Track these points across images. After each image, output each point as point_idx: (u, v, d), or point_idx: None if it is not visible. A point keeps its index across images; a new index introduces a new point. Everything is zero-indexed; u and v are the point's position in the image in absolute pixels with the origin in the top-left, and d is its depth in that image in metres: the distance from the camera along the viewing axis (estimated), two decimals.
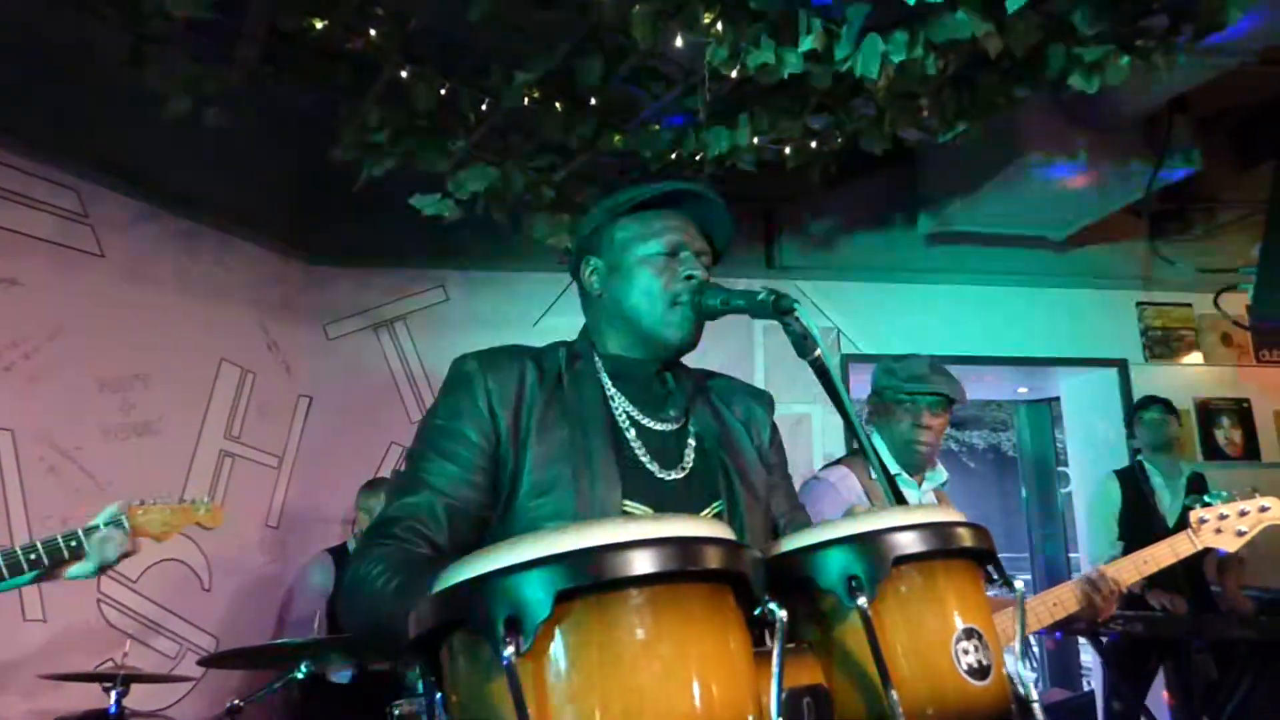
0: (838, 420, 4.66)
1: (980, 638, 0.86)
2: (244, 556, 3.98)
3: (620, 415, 1.34)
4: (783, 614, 0.75)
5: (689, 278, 1.34)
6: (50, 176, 3.32)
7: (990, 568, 0.92)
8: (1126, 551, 3.95)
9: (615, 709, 0.67)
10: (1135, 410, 4.27)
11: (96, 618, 3.35)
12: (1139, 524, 3.99)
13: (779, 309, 1.18)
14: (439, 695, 0.80)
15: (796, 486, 2.52)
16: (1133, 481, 4.11)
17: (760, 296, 1.22)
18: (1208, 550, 3.85)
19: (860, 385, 4.45)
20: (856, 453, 2.60)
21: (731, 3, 2.33)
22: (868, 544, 0.84)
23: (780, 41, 2.40)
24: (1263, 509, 2.34)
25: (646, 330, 1.36)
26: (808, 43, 2.32)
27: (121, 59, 2.63)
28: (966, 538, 0.88)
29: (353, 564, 1.18)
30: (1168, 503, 4.01)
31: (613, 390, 1.36)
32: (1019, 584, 0.90)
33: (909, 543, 0.84)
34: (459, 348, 4.30)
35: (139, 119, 3.36)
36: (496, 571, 0.69)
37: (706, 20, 2.35)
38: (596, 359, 1.39)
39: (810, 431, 4.65)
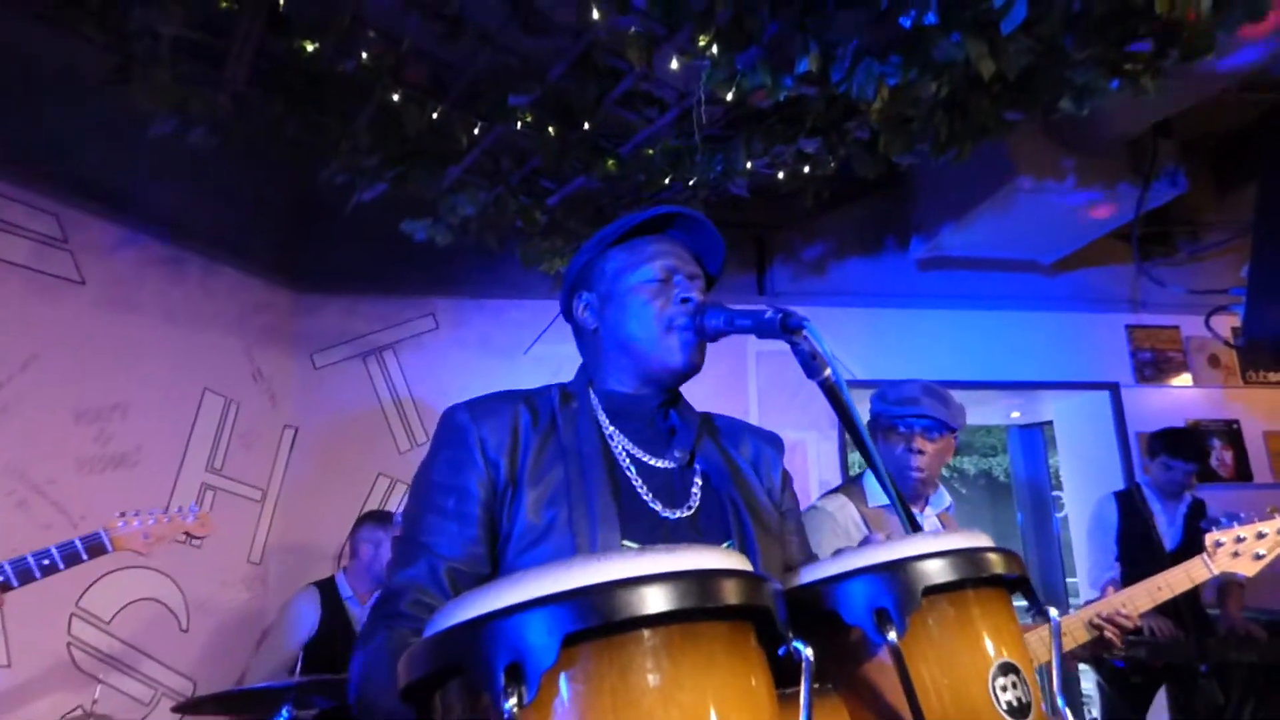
0: (832, 447, 4.61)
1: (1018, 673, 0.79)
2: (224, 594, 3.86)
3: (620, 453, 1.29)
4: (809, 653, 0.69)
5: (684, 301, 1.31)
6: (28, 200, 3.25)
7: (1022, 595, 0.86)
8: (1124, 574, 3.93)
9: None
10: (1165, 447, 3.98)
11: (65, 661, 3.22)
12: (1137, 546, 3.95)
13: (787, 327, 1.13)
14: None
15: None
16: (1131, 504, 4.06)
17: (767, 315, 1.16)
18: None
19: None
20: (855, 480, 2.54)
21: (727, 25, 2.31)
22: (895, 573, 0.77)
23: (776, 64, 2.38)
24: None
25: (646, 358, 1.31)
26: (804, 65, 2.30)
27: (106, 79, 2.58)
28: (998, 564, 0.82)
29: (359, 647, 1.14)
30: (1165, 526, 3.97)
31: (611, 429, 1.31)
32: (1054, 612, 0.84)
33: (938, 571, 0.78)
34: (449, 376, 4.21)
35: (123, 142, 3.31)
36: (495, 613, 0.62)
37: (702, 43, 2.33)
38: (593, 397, 1.35)
39: (805, 459, 4.58)
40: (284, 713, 2.21)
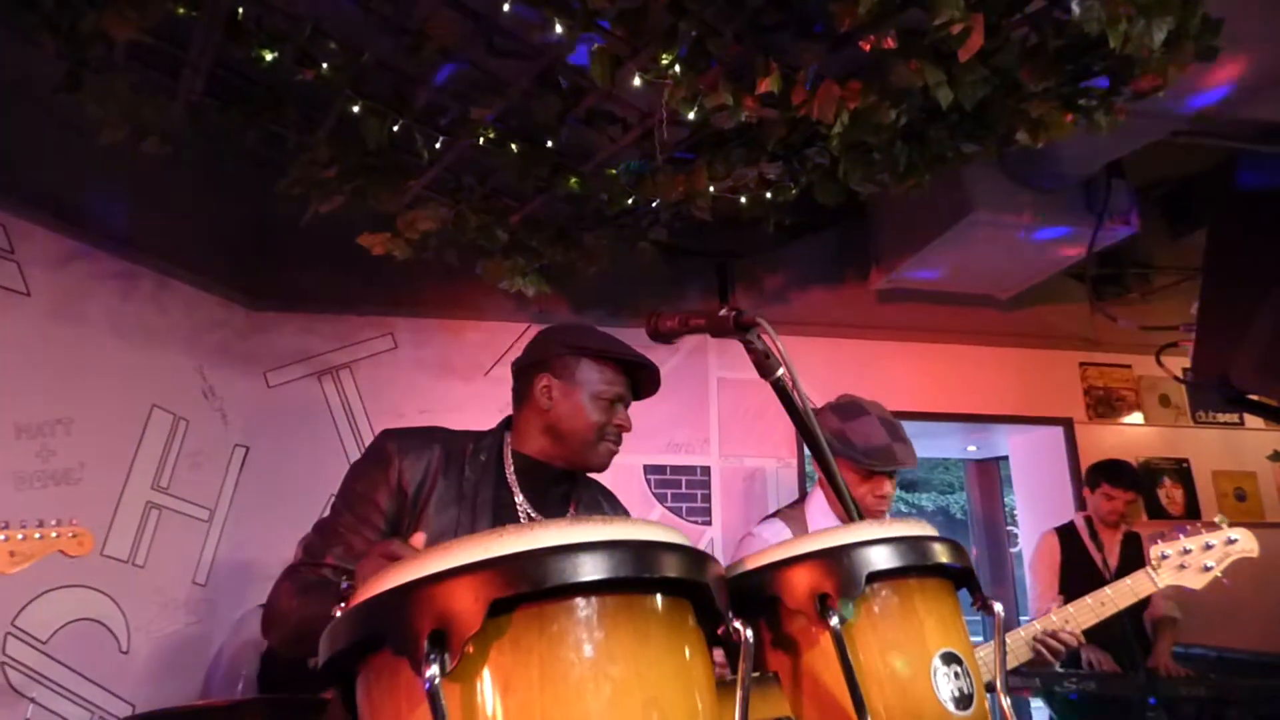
0: (791, 474, 4.61)
1: (961, 663, 0.78)
2: (167, 616, 3.73)
3: (520, 505, 1.60)
4: (748, 633, 0.67)
5: (619, 425, 1.66)
6: None
7: (967, 588, 0.85)
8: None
9: None
10: (1107, 477, 4.04)
11: None
12: (1078, 579, 3.97)
13: (739, 324, 1.13)
14: None
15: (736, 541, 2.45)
16: (1072, 537, 4.11)
17: (721, 313, 1.17)
18: (1148, 603, 3.87)
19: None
20: (795, 505, 2.50)
21: (690, 46, 2.33)
22: (838, 559, 0.76)
23: (738, 86, 2.40)
24: (1230, 541, 2.19)
25: (574, 451, 1.63)
26: (765, 86, 2.32)
27: (57, 86, 2.53)
28: (942, 554, 0.81)
29: (272, 589, 1.44)
30: (1105, 559, 4.01)
31: (516, 486, 1.62)
32: (998, 606, 0.83)
33: (882, 558, 0.77)
34: (407, 397, 4.15)
35: (75, 153, 3.25)
36: (421, 580, 0.59)
37: (664, 62, 2.35)
38: (509, 456, 1.64)
39: (764, 486, 4.58)
40: None
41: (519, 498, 1.60)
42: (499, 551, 0.60)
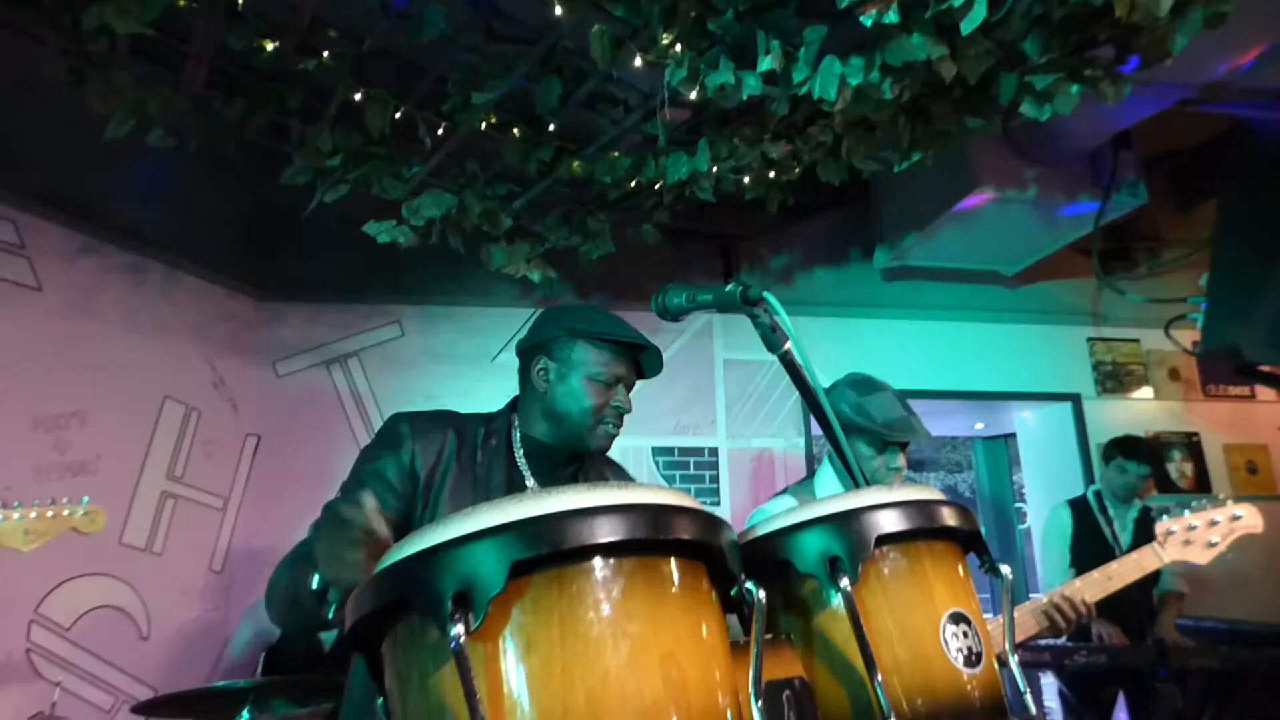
0: (799, 454, 4.63)
1: (969, 623, 0.80)
2: (186, 603, 3.78)
3: (532, 486, 1.59)
4: (761, 594, 0.68)
5: (617, 407, 1.63)
6: None
7: (975, 552, 0.86)
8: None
9: (578, 695, 0.59)
10: (1120, 451, 4.06)
11: (25, 668, 3.14)
12: (1091, 553, 3.97)
13: (746, 299, 1.14)
14: (380, 700, 0.71)
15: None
16: (1084, 511, 4.11)
17: (728, 289, 1.18)
18: (1158, 579, 3.88)
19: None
20: (804, 482, 2.52)
21: (690, 25, 2.33)
22: (847, 522, 0.78)
23: (739, 65, 2.40)
24: (1235, 518, 2.20)
25: (571, 434, 1.62)
26: (766, 63, 2.32)
27: (60, 81, 2.54)
28: (950, 516, 0.83)
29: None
30: (1119, 531, 4.02)
31: (526, 469, 1.62)
32: (1005, 569, 0.85)
33: (891, 521, 0.78)
34: (415, 383, 4.17)
35: (82, 149, 3.26)
36: (444, 544, 0.61)
37: (665, 42, 2.35)
38: (517, 438, 1.65)
39: (772, 465, 4.60)
40: (245, 714, 2.16)
41: (530, 481, 1.60)
42: (519, 515, 0.62)
